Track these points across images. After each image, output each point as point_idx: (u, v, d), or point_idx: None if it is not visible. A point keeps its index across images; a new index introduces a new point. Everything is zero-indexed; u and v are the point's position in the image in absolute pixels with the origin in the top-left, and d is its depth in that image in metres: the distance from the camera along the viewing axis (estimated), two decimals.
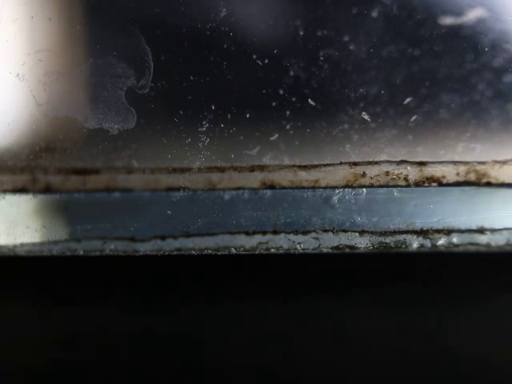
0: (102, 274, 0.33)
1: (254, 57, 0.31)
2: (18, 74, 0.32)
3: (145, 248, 0.33)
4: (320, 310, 0.29)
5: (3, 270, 0.33)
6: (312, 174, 0.32)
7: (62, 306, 0.31)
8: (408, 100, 0.31)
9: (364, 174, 0.32)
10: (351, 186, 0.32)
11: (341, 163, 0.32)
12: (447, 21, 0.30)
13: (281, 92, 0.31)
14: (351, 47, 0.31)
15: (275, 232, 0.32)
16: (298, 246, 0.32)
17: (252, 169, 0.32)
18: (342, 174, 0.32)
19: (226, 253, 0.33)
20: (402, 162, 0.32)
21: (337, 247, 0.32)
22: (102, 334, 0.28)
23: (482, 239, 0.31)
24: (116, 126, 0.32)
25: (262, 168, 0.32)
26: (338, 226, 0.32)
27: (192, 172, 0.32)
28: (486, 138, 0.31)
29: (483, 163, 0.31)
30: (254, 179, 0.32)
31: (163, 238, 0.33)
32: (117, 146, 0.33)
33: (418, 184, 0.31)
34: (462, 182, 0.31)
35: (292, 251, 0.32)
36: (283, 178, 0.32)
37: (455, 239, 0.32)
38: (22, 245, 0.34)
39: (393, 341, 0.27)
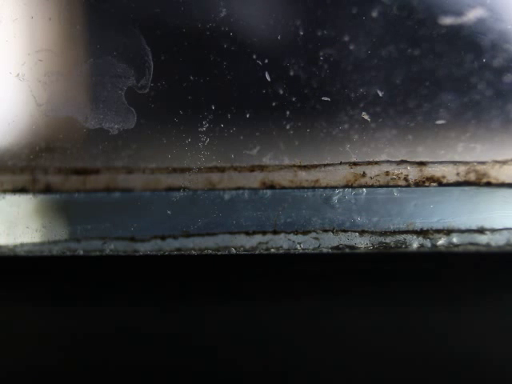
0: (101, 274, 0.33)
1: (254, 57, 0.31)
2: (18, 74, 0.32)
3: (145, 248, 0.33)
4: (320, 309, 0.29)
5: (3, 270, 0.33)
6: (312, 174, 0.32)
7: (62, 306, 0.31)
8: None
9: (364, 174, 0.32)
10: (351, 186, 0.32)
11: (341, 163, 0.32)
12: (447, 21, 0.30)
13: (281, 92, 0.31)
14: (351, 47, 0.31)
15: (275, 232, 0.32)
16: (298, 245, 0.32)
17: (252, 169, 0.32)
18: (341, 174, 0.32)
19: (226, 253, 0.33)
20: (402, 161, 0.32)
21: (337, 247, 0.32)
22: (101, 333, 0.28)
23: (482, 239, 0.31)
24: (116, 126, 0.32)
25: (262, 168, 0.32)
26: (337, 225, 0.32)
27: (192, 172, 0.32)
28: (486, 138, 0.31)
29: (483, 163, 0.31)
30: (254, 179, 0.32)
31: (163, 238, 0.33)
32: (117, 146, 0.33)
33: (417, 184, 0.31)
34: (462, 182, 0.31)
35: (292, 251, 0.32)
36: (283, 177, 0.32)
37: (455, 239, 0.32)
38: (22, 245, 0.34)
39: (393, 341, 0.27)
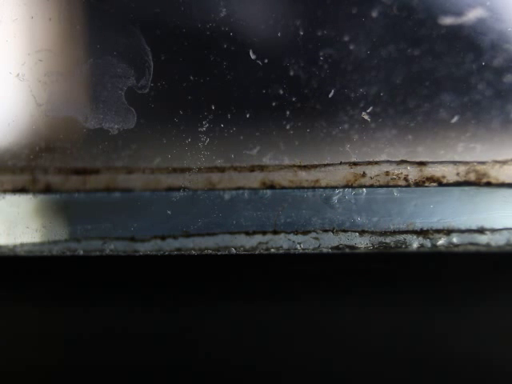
0: (101, 274, 0.33)
1: (254, 57, 0.31)
2: (17, 74, 0.32)
3: (145, 248, 0.33)
4: (320, 309, 0.29)
5: (3, 270, 0.33)
6: (312, 174, 0.32)
7: (61, 306, 0.31)
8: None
9: (364, 174, 0.32)
10: (351, 186, 0.32)
11: (341, 163, 0.32)
12: (447, 21, 0.30)
13: (281, 92, 0.31)
14: (351, 47, 0.31)
15: (275, 232, 0.32)
16: (298, 245, 0.32)
17: (252, 169, 0.32)
18: (341, 174, 0.32)
19: (226, 253, 0.33)
20: (402, 161, 0.32)
21: (337, 247, 0.32)
22: (102, 333, 0.28)
23: (482, 239, 0.31)
24: (116, 126, 0.32)
25: (262, 168, 0.32)
26: (337, 225, 0.32)
27: (192, 172, 0.32)
28: (486, 138, 0.31)
29: (483, 163, 0.31)
30: (254, 179, 0.32)
31: (163, 238, 0.33)
32: (117, 146, 0.33)
33: (418, 184, 0.31)
34: (462, 182, 0.31)
35: (292, 251, 0.32)
36: (283, 177, 0.32)
37: (455, 239, 0.32)
38: (22, 245, 0.34)
39: (393, 341, 0.27)
